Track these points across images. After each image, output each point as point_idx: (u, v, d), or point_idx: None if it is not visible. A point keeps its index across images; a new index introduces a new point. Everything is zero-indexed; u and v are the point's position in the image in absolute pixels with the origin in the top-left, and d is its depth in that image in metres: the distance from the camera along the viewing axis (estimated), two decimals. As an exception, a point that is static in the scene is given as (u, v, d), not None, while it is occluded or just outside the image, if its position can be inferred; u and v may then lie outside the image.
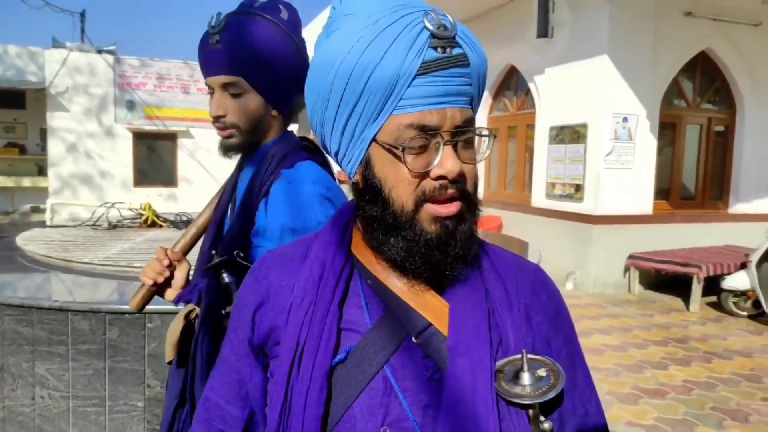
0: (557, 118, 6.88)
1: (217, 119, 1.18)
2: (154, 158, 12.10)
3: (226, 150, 1.21)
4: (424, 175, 0.62)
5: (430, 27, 0.60)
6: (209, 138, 12.26)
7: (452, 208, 0.63)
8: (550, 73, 6.95)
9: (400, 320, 0.64)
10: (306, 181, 1.12)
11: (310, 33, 1.75)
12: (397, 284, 0.66)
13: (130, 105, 11.69)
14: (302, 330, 0.66)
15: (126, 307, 2.13)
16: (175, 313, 2.14)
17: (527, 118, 7.74)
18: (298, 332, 0.66)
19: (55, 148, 11.43)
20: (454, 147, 0.62)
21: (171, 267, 1.23)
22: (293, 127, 1.45)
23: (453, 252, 0.64)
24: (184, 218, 4.06)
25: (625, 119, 6.26)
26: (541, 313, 0.70)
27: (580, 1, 6.46)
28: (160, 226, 3.91)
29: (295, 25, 1.18)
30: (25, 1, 12.54)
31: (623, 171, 6.33)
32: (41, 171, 12.70)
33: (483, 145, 0.67)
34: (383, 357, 0.63)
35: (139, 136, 11.90)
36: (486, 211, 7.68)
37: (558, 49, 6.79)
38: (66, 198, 11.33)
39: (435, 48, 0.60)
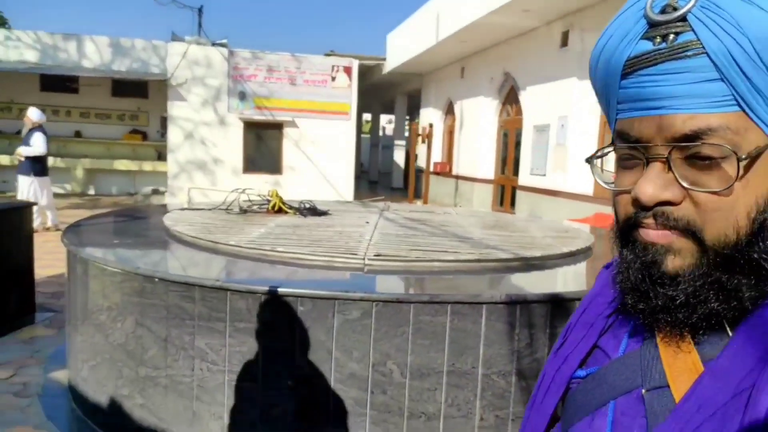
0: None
1: None
2: (262, 146, 12.67)
3: None
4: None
5: (650, 12, 0.48)
6: (313, 128, 12.66)
7: (655, 233, 0.50)
8: None
9: (642, 365, 0.55)
10: None
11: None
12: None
13: (242, 95, 12.30)
14: (570, 330, 0.66)
15: (280, 290, 2.23)
16: (326, 298, 2.23)
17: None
18: (566, 331, 0.67)
19: (174, 135, 12.28)
20: (668, 165, 0.48)
21: None
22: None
23: (662, 294, 0.50)
24: (307, 205, 4.20)
25: None
26: None
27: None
28: (286, 213, 4.07)
29: None
30: (153, -2, 13.46)
31: None
32: (160, 156, 13.72)
33: (737, 169, 0.46)
34: (611, 395, 0.57)
35: (249, 126, 12.51)
36: (599, 208, 7.36)
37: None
38: (182, 182, 12.14)
39: (651, 38, 0.48)
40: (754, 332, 0.48)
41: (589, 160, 0.56)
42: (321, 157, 12.63)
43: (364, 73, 15.40)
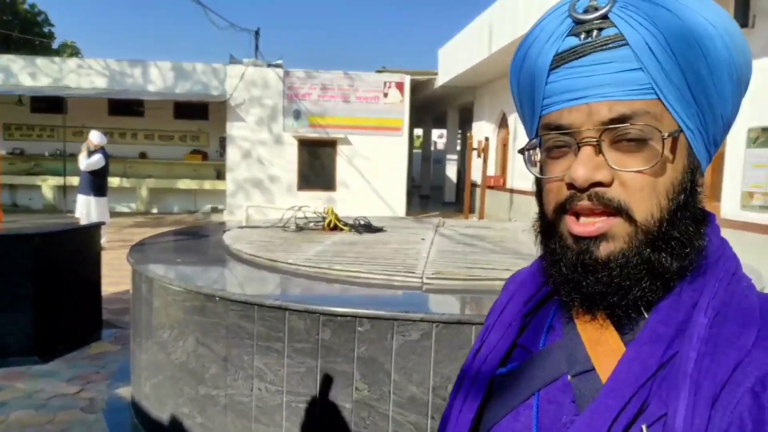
0: (758, 118, 6.02)
1: None
2: (316, 164, 12.86)
3: None
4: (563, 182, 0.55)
5: (575, 12, 0.53)
6: (365, 144, 12.75)
7: (588, 227, 0.53)
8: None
9: (566, 353, 0.58)
10: None
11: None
12: (581, 313, 0.58)
13: (297, 114, 12.56)
14: (485, 334, 0.67)
15: (337, 309, 2.19)
16: (385, 318, 2.17)
17: (716, 119, 6.91)
18: (482, 335, 0.67)
19: (232, 154, 12.66)
20: (599, 149, 0.52)
21: None
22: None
23: (598, 280, 0.53)
24: (362, 222, 4.18)
25: None
26: None
27: (793, -17, 5.60)
28: (342, 230, 4.05)
29: None
30: (214, 23, 13.99)
31: None
32: (219, 175, 14.15)
33: (662, 147, 0.51)
34: (535, 386, 0.59)
35: (304, 143, 12.74)
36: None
37: (761, 40, 5.95)
38: (240, 199, 12.46)
39: (577, 34, 0.53)
40: (668, 310, 0.53)
41: (522, 152, 0.59)
42: (373, 173, 12.69)
43: (416, 88, 15.42)
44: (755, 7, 5.96)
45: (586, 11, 0.53)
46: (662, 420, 0.49)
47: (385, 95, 12.67)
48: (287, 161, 12.64)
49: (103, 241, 8.49)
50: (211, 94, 13.86)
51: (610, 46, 0.51)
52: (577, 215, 0.54)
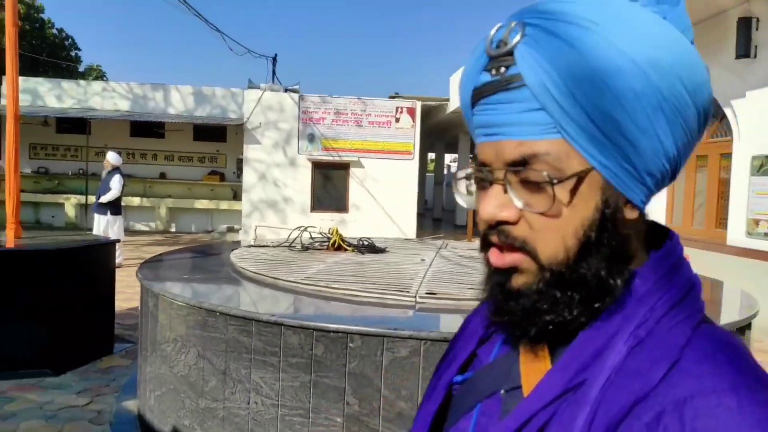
0: (762, 146, 6.05)
1: None
2: (329, 186, 13.05)
3: None
4: None
5: (489, 47, 0.52)
6: (377, 167, 12.92)
7: (500, 260, 0.54)
8: (753, 97, 6.16)
9: (505, 369, 0.61)
10: None
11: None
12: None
13: (311, 138, 12.80)
14: (454, 342, 0.71)
15: (330, 326, 2.29)
16: (375, 335, 2.26)
17: (721, 147, 6.93)
18: (451, 342, 0.71)
19: (248, 176, 12.91)
20: (505, 188, 0.52)
21: None
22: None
23: (511, 309, 0.54)
24: (365, 242, 4.29)
25: None
26: None
27: (796, 14, 5.68)
28: (345, 250, 4.17)
29: None
30: (232, 49, 14.42)
31: None
32: (236, 195, 14.42)
33: (553, 192, 0.50)
34: (477, 398, 0.61)
35: (317, 166, 12.95)
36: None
37: (763, 71, 6.02)
38: (255, 220, 12.66)
39: (489, 70, 0.52)
40: (587, 337, 0.52)
41: (454, 180, 0.61)
42: (385, 196, 12.84)
43: (428, 113, 15.63)
44: (757, 38, 6.04)
45: (498, 46, 0.51)
46: None
47: (397, 120, 12.88)
48: (301, 183, 12.86)
49: (120, 259, 8.74)
50: (229, 117, 14.21)
51: (513, 85, 0.50)
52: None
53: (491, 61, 0.52)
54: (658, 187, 0.54)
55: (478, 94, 0.54)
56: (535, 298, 0.52)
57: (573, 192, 0.51)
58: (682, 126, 0.52)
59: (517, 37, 0.50)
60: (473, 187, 0.58)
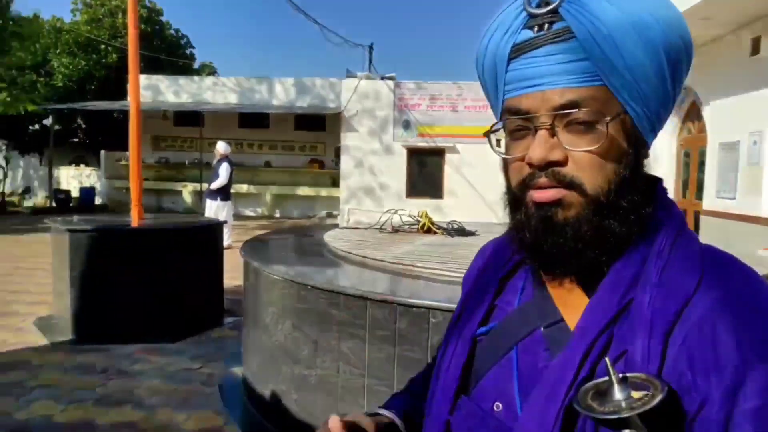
0: None
1: None
2: (424, 172, 13.10)
3: None
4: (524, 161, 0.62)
5: (528, 7, 0.59)
6: (473, 153, 12.76)
7: (546, 194, 0.59)
8: None
9: (538, 310, 0.66)
10: None
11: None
12: (549, 275, 0.66)
13: (406, 124, 12.91)
14: (465, 300, 0.75)
15: (414, 301, 2.37)
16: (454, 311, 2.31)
17: None
18: (462, 302, 0.76)
19: (346, 163, 13.30)
20: (552, 132, 0.58)
21: None
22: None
23: (556, 243, 0.60)
24: (455, 226, 4.31)
25: None
26: (702, 361, 0.53)
27: None
28: (435, 233, 4.22)
29: None
30: (329, 39, 14.84)
31: None
32: (334, 183, 14.93)
33: (606, 129, 0.58)
34: (513, 340, 0.66)
35: (412, 153, 13.04)
36: None
37: None
38: (352, 206, 13.04)
39: (531, 27, 0.59)
40: (623, 266, 0.60)
41: (487, 134, 0.67)
42: (481, 181, 12.67)
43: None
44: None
45: (538, 6, 0.58)
46: (624, 356, 0.56)
47: (493, 103, 12.63)
48: (397, 170, 13.03)
49: (229, 241, 9.43)
50: (328, 107, 14.70)
51: (560, 38, 0.57)
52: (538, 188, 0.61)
53: (532, 18, 0.59)
54: (656, 134, 0.64)
55: (518, 50, 0.60)
56: (579, 227, 0.59)
57: (614, 132, 0.59)
58: (680, 76, 0.61)
59: None
60: (503, 138, 0.66)
